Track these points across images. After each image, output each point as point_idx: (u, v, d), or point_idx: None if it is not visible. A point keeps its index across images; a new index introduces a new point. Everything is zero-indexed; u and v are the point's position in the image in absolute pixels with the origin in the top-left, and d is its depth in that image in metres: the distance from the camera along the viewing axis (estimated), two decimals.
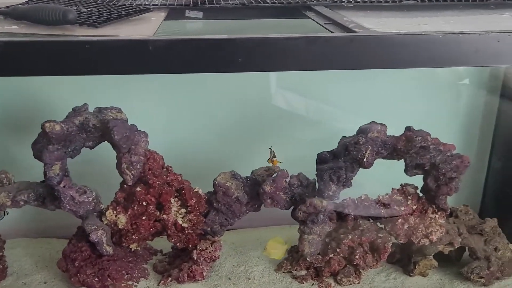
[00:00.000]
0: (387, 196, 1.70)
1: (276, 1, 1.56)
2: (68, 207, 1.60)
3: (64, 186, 1.58)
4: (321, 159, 1.60)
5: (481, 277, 1.65)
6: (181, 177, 1.74)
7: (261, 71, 1.15)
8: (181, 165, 1.79)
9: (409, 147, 1.53)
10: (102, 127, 1.58)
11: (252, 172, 1.76)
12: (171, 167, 1.76)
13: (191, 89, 2.00)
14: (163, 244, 1.90)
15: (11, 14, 1.26)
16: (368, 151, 1.50)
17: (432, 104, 2.10)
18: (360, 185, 1.70)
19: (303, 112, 2.12)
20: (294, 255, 1.79)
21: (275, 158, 1.74)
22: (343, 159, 1.55)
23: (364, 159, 1.51)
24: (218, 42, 1.09)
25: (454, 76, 2.11)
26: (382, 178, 1.68)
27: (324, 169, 1.56)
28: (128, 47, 1.08)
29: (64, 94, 1.87)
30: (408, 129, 1.58)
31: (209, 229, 1.76)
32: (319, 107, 2.12)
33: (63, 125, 1.50)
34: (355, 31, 1.15)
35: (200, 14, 1.50)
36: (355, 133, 1.63)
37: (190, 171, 1.79)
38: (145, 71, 1.14)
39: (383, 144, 1.53)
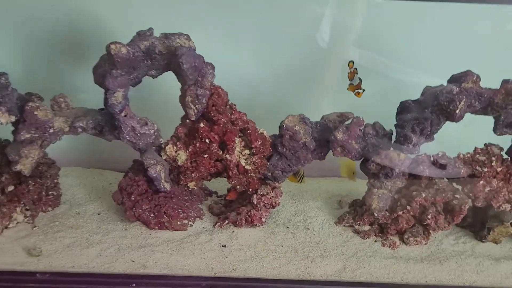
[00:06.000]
0: (468, 155, 1.55)
1: None
2: (128, 138, 1.52)
3: (125, 116, 1.50)
4: (404, 108, 1.46)
5: None
6: (245, 116, 1.63)
7: None
8: (242, 104, 1.67)
9: (508, 102, 1.36)
10: (169, 55, 1.47)
11: (323, 117, 1.64)
12: (234, 104, 1.65)
13: (261, 22, 1.85)
14: (216, 185, 1.83)
15: None
16: (462, 102, 1.35)
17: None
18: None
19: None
20: (358, 209, 1.69)
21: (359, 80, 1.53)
22: (430, 109, 1.40)
23: (457, 111, 1.36)
24: None
25: None
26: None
27: (407, 119, 1.42)
28: None
29: (127, 16, 1.76)
30: (506, 81, 1.41)
31: (269, 174, 1.66)
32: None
33: (129, 48, 1.39)
34: None
35: None
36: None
37: (251, 111, 1.68)
38: None
39: (477, 96, 1.38)
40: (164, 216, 1.59)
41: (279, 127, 1.62)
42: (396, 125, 1.49)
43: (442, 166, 1.56)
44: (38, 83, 1.79)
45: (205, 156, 1.56)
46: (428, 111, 1.40)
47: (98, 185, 1.87)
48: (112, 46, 1.35)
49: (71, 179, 1.87)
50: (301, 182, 1.71)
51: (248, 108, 1.67)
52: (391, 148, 1.53)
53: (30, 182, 1.55)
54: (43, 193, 1.60)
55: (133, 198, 1.59)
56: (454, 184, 1.61)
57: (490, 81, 1.45)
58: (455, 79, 1.41)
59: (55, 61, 1.92)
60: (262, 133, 1.61)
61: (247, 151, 1.59)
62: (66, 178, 1.82)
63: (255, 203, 1.61)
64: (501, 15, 1.81)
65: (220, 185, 1.83)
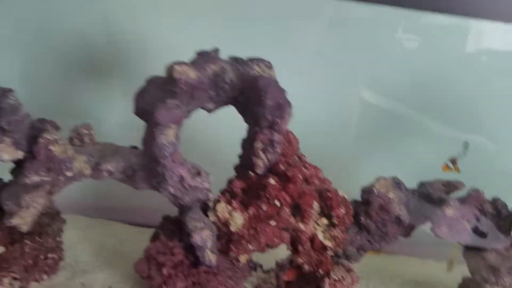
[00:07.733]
0: None
1: None
2: (172, 191, 1.11)
3: (173, 161, 1.09)
4: None
5: None
6: (321, 172, 1.26)
7: None
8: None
9: None
10: (242, 85, 1.09)
11: (422, 183, 1.28)
12: (304, 155, 1.28)
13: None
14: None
15: None
16: None
17: None
18: None
19: None
20: None
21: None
22: None
23: None
24: None
25: None
26: None
27: None
28: None
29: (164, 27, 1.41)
30: None
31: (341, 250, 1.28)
32: None
33: (198, 74, 1.00)
34: None
35: None
36: None
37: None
38: None
39: None
40: None
41: (365, 191, 1.25)
42: None
43: None
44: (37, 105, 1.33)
45: (271, 222, 1.16)
46: None
47: (107, 243, 1.43)
48: (178, 68, 0.97)
49: (72, 233, 1.42)
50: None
51: None
52: None
53: (26, 241, 1.10)
54: (41, 256, 1.15)
55: (165, 272, 1.16)
56: None
57: None
58: None
59: (64, 80, 1.53)
60: (344, 197, 1.22)
61: (324, 221, 1.20)
62: (67, 233, 1.37)
63: None
64: None
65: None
